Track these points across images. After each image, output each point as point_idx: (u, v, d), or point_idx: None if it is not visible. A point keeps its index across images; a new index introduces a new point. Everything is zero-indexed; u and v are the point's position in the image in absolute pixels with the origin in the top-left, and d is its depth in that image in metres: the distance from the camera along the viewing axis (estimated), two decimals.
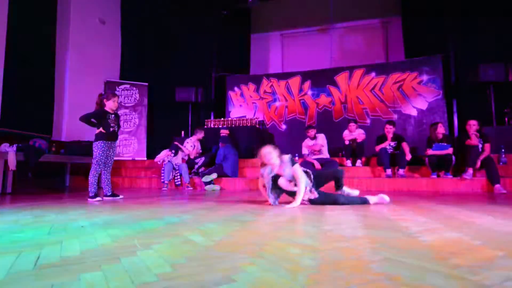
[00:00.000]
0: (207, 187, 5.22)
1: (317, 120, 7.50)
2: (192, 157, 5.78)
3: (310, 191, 2.85)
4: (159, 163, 5.74)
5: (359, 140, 5.53)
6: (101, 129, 3.57)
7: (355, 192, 3.09)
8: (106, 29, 8.05)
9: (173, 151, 5.65)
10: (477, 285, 0.87)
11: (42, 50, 6.40)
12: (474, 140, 4.46)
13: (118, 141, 3.90)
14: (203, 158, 5.75)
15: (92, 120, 3.59)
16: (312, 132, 5.58)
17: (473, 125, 4.57)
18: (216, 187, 5.22)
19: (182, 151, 5.76)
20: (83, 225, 1.91)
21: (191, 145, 5.90)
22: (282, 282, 0.91)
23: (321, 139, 5.52)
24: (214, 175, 5.32)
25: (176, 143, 5.82)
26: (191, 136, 6.28)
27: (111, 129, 3.64)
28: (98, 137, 3.58)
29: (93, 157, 3.59)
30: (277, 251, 1.26)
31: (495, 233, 1.58)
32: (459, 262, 1.08)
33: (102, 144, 3.58)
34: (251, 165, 6.27)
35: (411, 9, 7.48)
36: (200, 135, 6.05)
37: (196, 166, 5.67)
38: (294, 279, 0.93)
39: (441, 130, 4.75)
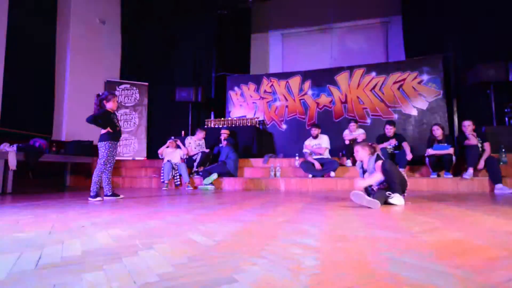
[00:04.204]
0: (201, 186, 5.23)
1: (317, 120, 7.49)
2: (191, 154, 5.83)
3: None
4: (160, 156, 5.79)
5: (359, 140, 5.52)
6: (108, 129, 3.57)
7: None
8: (106, 29, 8.04)
9: (172, 137, 5.83)
10: (481, 285, 0.87)
11: (42, 50, 6.39)
12: (472, 140, 4.46)
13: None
14: (199, 153, 5.75)
15: (99, 121, 3.59)
16: (315, 131, 5.57)
17: (468, 126, 4.57)
18: (210, 186, 5.22)
19: (180, 147, 5.80)
20: (84, 225, 1.91)
21: (195, 145, 5.93)
22: (284, 282, 0.91)
23: (326, 141, 5.50)
24: (214, 175, 5.32)
25: (173, 138, 5.92)
26: (192, 135, 6.34)
27: (118, 128, 3.67)
28: (105, 137, 3.58)
29: (100, 157, 3.59)
30: (279, 251, 1.26)
31: (497, 233, 1.58)
32: (462, 262, 1.08)
33: (109, 144, 3.59)
34: (250, 164, 6.27)
35: (411, 9, 7.47)
36: (200, 135, 6.09)
37: (195, 164, 5.68)
38: (296, 279, 0.93)
39: (437, 132, 4.75)
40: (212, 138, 6.39)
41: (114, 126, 3.62)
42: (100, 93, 3.73)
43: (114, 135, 3.62)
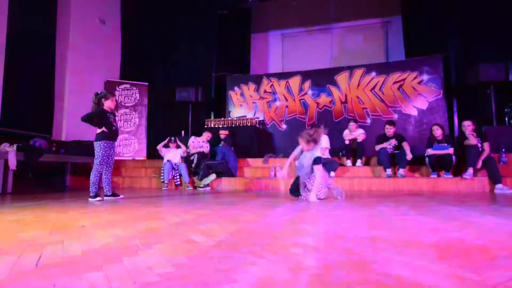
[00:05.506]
0: (199, 188, 5.22)
1: (317, 120, 7.50)
2: (191, 154, 5.84)
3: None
4: (160, 153, 5.81)
5: (359, 140, 5.53)
6: (103, 128, 3.55)
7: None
8: (106, 29, 8.04)
9: (172, 138, 5.85)
10: (480, 285, 0.87)
11: (42, 50, 6.39)
12: (472, 140, 4.47)
13: (118, 141, 3.89)
14: (196, 155, 5.74)
15: (95, 120, 3.57)
16: None
17: (468, 126, 4.57)
18: (207, 188, 5.21)
19: (180, 147, 5.81)
20: (84, 225, 1.90)
21: (198, 146, 5.94)
22: (284, 281, 0.91)
23: (326, 141, 5.50)
24: (212, 176, 5.31)
25: (173, 139, 5.91)
26: (193, 135, 6.35)
27: (113, 128, 3.64)
28: (101, 137, 3.56)
29: (95, 157, 3.57)
30: (279, 250, 1.26)
31: (497, 233, 1.58)
32: (462, 262, 1.08)
33: (105, 144, 3.56)
34: (250, 165, 6.27)
35: (411, 9, 7.48)
36: (205, 136, 6.07)
37: (193, 165, 5.66)
38: (296, 279, 0.93)
39: (437, 132, 4.75)
40: (212, 138, 6.39)
41: (109, 125, 3.59)
42: (99, 92, 3.72)
43: (110, 135, 3.59)
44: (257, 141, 6.90)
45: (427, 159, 4.85)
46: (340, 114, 7.43)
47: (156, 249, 1.29)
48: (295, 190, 3.46)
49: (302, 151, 3.38)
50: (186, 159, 5.73)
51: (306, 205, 2.86)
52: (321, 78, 7.66)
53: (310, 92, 7.72)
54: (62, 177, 6.31)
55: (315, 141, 3.24)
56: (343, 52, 8.64)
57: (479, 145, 4.46)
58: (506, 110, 5.76)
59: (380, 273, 0.97)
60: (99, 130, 3.57)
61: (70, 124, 6.82)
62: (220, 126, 7.00)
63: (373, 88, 7.27)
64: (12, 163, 4.55)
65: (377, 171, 5.31)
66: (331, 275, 0.96)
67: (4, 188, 4.53)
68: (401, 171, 4.92)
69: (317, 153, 3.27)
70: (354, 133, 5.69)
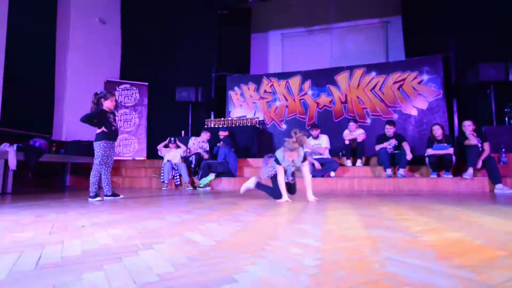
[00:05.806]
0: (198, 188, 5.23)
1: (317, 120, 7.50)
2: (192, 152, 5.84)
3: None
4: (159, 153, 5.81)
5: (359, 140, 5.53)
6: (103, 128, 3.55)
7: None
8: (106, 29, 8.04)
9: (172, 139, 5.81)
10: (481, 285, 0.87)
11: (42, 50, 6.39)
12: (472, 140, 4.47)
13: (118, 141, 3.89)
14: (194, 156, 5.73)
15: (94, 120, 3.56)
16: (316, 132, 5.58)
17: (468, 126, 4.58)
18: (207, 188, 5.22)
19: (179, 147, 5.81)
20: (84, 225, 1.90)
21: (198, 146, 5.94)
22: (284, 282, 0.91)
23: (326, 141, 5.52)
24: (211, 176, 5.31)
25: (172, 140, 5.90)
26: (193, 135, 6.36)
27: (113, 128, 3.63)
28: (100, 137, 3.55)
29: (95, 157, 3.57)
30: (279, 251, 1.26)
31: (497, 233, 1.58)
32: (462, 262, 1.08)
33: (104, 144, 3.56)
34: (250, 165, 6.27)
35: (411, 9, 7.49)
36: (205, 136, 6.07)
37: (192, 166, 5.66)
38: (296, 279, 0.93)
39: (437, 132, 4.76)
40: (212, 138, 6.39)
41: (109, 125, 3.59)
42: (98, 92, 3.71)
43: (110, 135, 3.59)
44: (257, 141, 6.90)
45: (427, 159, 4.85)
46: (340, 114, 7.43)
47: (156, 249, 1.29)
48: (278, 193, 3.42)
49: (287, 163, 3.31)
50: (186, 159, 5.73)
51: (305, 205, 2.86)
52: (321, 78, 7.66)
53: (310, 92, 7.72)
54: (62, 177, 6.32)
55: (302, 145, 3.27)
56: (343, 52, 8.64)
57: (479, 145, 4.46)
58: (506, 110, 5.76)
59: (380, 273, 0.97)
60: (99, 130, 3.57)
61: (70, 124, 6.83)
62: (220, 126, 7.00)
63: (373, 88, 7.27)
64: (12, 163, 4.55)
65: (377, 171, 5.31)
66: (331, 275, 0.96)
67: (4, 188, 4.54)
68: (401, 171, 4.92)
69: (302, 152, 3.28)
70: (354, 133, 5.69)
